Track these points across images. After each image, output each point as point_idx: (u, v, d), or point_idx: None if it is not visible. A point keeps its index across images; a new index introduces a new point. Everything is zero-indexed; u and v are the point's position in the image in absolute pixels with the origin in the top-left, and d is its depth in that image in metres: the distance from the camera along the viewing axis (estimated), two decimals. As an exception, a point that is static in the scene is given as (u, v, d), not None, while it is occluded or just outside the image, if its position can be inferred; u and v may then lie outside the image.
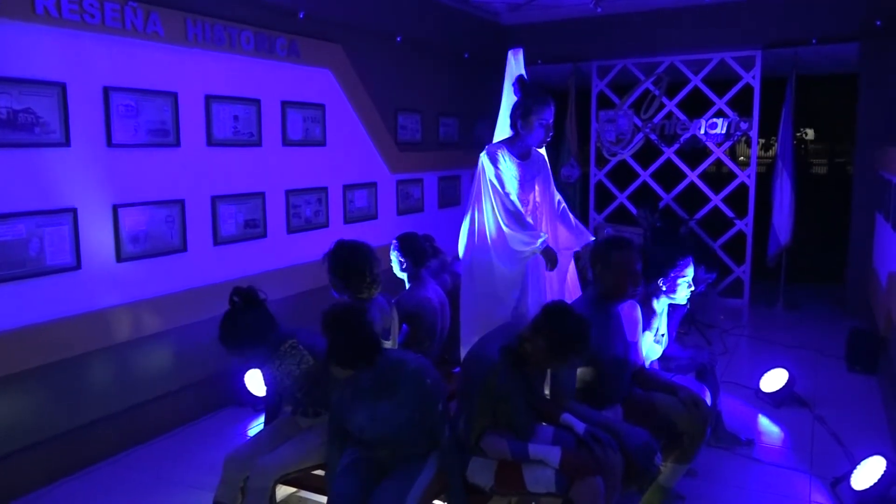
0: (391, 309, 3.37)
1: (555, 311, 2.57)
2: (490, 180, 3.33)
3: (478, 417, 2.54)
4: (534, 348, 2.55)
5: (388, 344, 3.22)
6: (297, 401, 2.89)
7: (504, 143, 3.45)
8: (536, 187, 3.47)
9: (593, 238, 3.55)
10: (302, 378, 2.78)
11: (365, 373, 2.44)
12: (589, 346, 2.56)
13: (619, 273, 2.88)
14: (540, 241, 3.20)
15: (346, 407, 2.53)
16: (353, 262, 3.13)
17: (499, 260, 3.33)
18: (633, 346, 3.12)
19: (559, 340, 2.51)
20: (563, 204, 3.62)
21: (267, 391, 3.04)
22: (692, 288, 3.44)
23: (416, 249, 3.73)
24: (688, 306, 3.59)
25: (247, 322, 2.66)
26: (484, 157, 3.38)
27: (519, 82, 3.43)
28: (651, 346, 3.36)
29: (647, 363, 3.29)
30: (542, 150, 3.63)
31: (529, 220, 3.32)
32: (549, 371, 2.85)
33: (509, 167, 3.37)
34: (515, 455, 2.50)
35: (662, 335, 3.44)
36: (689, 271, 3.40)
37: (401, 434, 2.49)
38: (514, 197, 3.31)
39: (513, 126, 3.39)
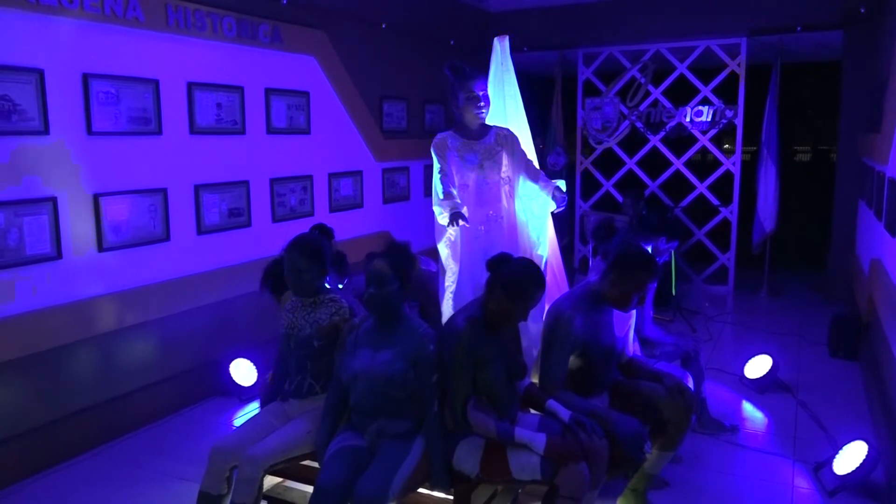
0: None
1: (498, 262, 2.64)
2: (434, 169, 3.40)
3: (458, 386, 2.54)
4: (496, 303, 2.60)
5: None
6: (305, 358, 2.83)
7: (452, 129, 3.47)
8: (504, 161, 3.46)
9: (556, 183, 3.46)
10: (325, 330, 2.79)
11: (378, 322, 2.62)
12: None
13: (633, 290, 2.85)
14: (447, 210, 3.18)
15: (349, 351, 2.63)
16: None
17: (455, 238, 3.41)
18: (621, 340, 3.14)
19: (514, 282, 2.57)
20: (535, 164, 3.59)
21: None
22: None
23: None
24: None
25: (316, 245, 2.83)
26: (431, 149, 3.41)
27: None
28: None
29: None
30: (523, 126, 3.62)
31: (455, 192, 3.29)
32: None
33: (461, 151, 3.39)
34: (501, 435, 2.50)
35: None
36: None
37: (391, 390, 2.53)
38: (442, 177, 3.30)
39: (453, 110, 3.44)
